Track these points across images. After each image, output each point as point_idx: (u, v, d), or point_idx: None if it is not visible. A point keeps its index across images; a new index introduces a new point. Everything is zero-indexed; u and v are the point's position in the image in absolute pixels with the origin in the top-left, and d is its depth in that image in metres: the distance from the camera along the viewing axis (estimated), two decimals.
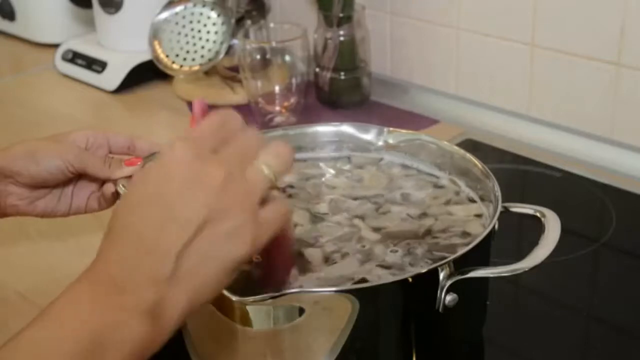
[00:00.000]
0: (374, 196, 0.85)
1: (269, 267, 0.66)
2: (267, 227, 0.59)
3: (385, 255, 0.76)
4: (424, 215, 0.81)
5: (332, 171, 0.89)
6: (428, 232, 0.79)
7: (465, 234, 0.78)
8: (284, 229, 0.62)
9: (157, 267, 0.55)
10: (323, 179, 0.88)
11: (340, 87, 1.32)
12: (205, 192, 0.56)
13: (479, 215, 0.81)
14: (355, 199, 0.84)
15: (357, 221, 0.81)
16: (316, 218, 0.81)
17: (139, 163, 0.79)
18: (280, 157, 0.60)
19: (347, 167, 0.90)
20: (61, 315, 0.54)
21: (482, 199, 0.83)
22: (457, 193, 0.84)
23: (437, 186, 0.86)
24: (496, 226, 0.76)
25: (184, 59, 1.34)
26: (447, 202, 0.83)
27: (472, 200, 0.83)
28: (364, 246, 0.77)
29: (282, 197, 0.60)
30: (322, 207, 0.83)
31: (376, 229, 0.79)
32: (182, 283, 0.56)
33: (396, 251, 0.76)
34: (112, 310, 0.54)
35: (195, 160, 0.57)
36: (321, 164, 0.90)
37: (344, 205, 0.83)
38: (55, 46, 1.55)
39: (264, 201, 0.59)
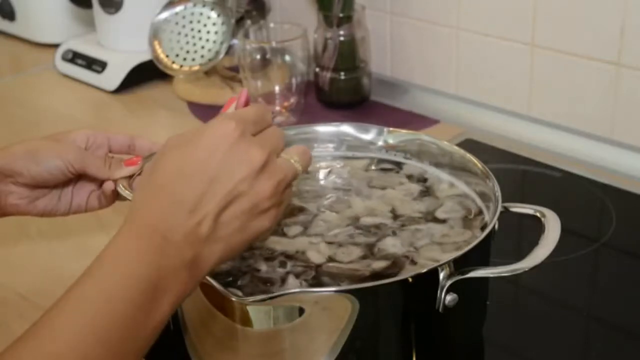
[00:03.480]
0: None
1: None
2: (282, 209, 0.67)
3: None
4: (404, 256, 0.76)
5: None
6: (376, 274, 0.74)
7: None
8: None
9: (197, 228, 0.62)
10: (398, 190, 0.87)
11: (340, 87, 1.32)
12: (247, 169, 0.63)
13: None
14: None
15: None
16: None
17: (139, 163, 0.79)
18: (304, 154, 0.68)
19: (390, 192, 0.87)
20: (116, 263, 0.59)
21: (482, 199, 0.83)
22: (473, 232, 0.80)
23: (466, 217, 0.82)
24: (496, 226, 0.76)
25: (184, 59, 1.34)
26: (457, 247, 0.78)
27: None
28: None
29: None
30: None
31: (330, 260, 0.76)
32: (215, 244, 0.63)
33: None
34: (162, 257, 0.60)
35: (241, 138, 0.63)
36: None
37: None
38: (55, 46, 1.55)
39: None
